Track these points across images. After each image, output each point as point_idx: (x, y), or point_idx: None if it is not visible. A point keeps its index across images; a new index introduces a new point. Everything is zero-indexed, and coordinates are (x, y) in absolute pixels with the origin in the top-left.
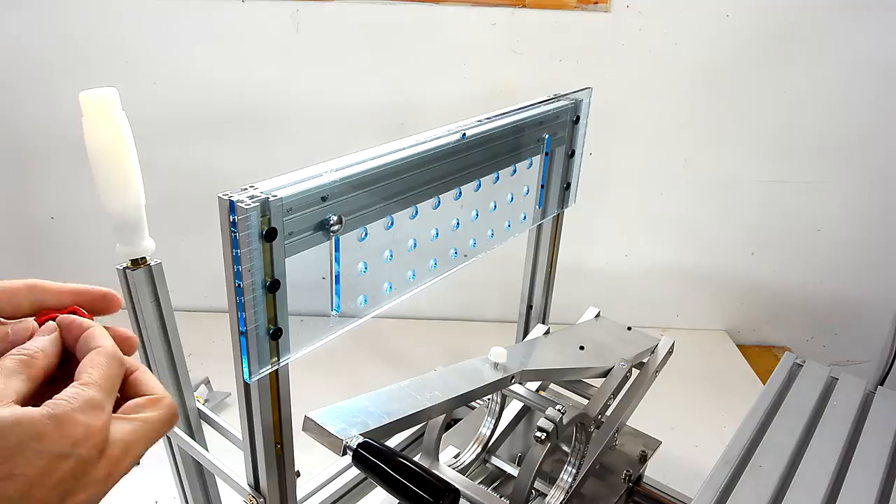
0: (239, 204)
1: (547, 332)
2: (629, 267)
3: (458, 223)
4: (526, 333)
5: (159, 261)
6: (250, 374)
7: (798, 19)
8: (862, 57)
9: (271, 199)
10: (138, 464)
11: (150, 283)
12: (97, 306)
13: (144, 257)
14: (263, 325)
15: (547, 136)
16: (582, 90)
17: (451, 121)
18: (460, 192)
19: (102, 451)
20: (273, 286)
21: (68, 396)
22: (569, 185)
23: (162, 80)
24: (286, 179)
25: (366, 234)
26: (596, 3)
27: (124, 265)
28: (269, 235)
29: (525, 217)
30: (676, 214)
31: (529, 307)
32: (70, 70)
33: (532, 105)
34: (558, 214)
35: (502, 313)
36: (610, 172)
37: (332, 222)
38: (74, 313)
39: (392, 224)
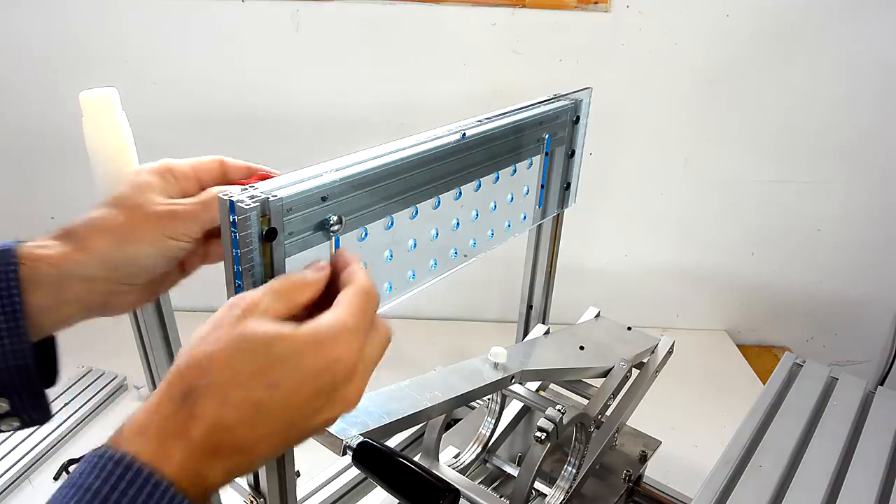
0: (239, 204)
1: (547, 332)
2: (629, 267)
3: (458, 223)
4: (526, 333)
5: None
6: None
7: (798, 19)
8: (862, 56)
9: (271, 199)
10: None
11: None
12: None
13: None
14: None
15: (547, 136)
16: (582, 90)
17: (451, 121)
18: (460, 192)
19: (353, 375)
20: None
21: (330, 321)
22: (569, 185)
23: (162, 80)
24: (286, 179)
25: (366, 234)
26: (596, 3)
27: None
28: (269, 235)
29: (525, 217)
30: (676, 214)
31: (529, 307)
32: (70, 69)
33: (532, 105)
34: (558, 214)
35: (502, 313)
36: (610, 172)
37: (332, 222)
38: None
39: (392, 224)
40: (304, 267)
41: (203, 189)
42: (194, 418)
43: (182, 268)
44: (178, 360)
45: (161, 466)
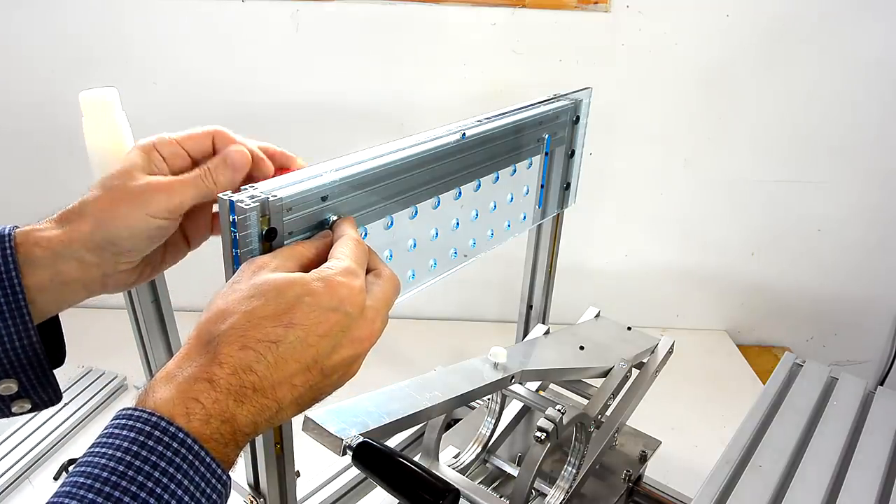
0: (239, 204)
1: (547, 332)
2: (629, 267)
3: (457, 223)
4: (526, 333)
5: None
6: None
7: (798, 19)
8: (862, 56)
9: (271, 199)
10: None
11: (149, 283)
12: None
13: None
14: None
15: (547, 136)
16: (582, 90)
17: (451, 121)
18: (460, 192)
19: (362, 310)
20: None
21: (330, 265)
22: (569, 185)
23: (162, 80)
24: (286, 179)
25: (365, 234)
26: (596, 3)
27: None
28: (269, 235)
29: (525, 217)
30: (676, 214)
31: (529, 307)
32: (70, 70)
33: (532, 105)
34: (558, 214)
35: (502, 313)
36: (610, 172)
37: (331, 222)
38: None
39: (392, 224)
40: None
41: (196, 164)
42: (217, 362)
43: (187, 242)
44: (201, 317)
45: (188, 412)
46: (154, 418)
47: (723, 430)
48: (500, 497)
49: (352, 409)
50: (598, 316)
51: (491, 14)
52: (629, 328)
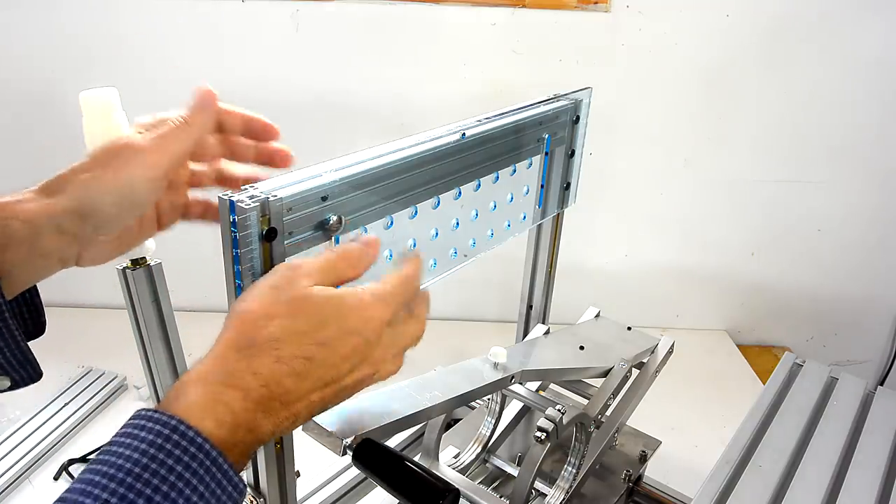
0: (239, 204)
1: (547, 332)
2: (629, 267)
3: (457, 223)
4: (526, 333)
5: (159, 261)
6: None
7: (798, 19)
8: (862, 56)
9: (271, 199)
10: None
11: (149, 283)
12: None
13: (144, 257)
14: None
15: (547, 136)
16: (582, 90)
17: (451, 121)
18: (460, 192)
19: (379, 338)
20: None
21: (371, 289)
22: (569, 184)
23: (162, 80)
24: (286, 179)
25: (365, 233)
26: (596, 3)
27: (124, 265)
28: (269, 235)
29: (525, 217)
30: (676, 214)
31: (529, 307)
32: (70, 70)
33: (532, 105)
34: (558, 214)
35: (502, 313)
36: (610, 172)
37: (331, 222)
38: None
39: (392, 224)
40: (358, 239)
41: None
42: (251, 371)
43: (158, 222)
44: (238, 315)
45: (219, 419)
46: (173, 422)
47: (723, 430)
48: (500, 497)
49: (352, 409)
50: (598, 316)
51: (491, 14)
52: (629, 328)
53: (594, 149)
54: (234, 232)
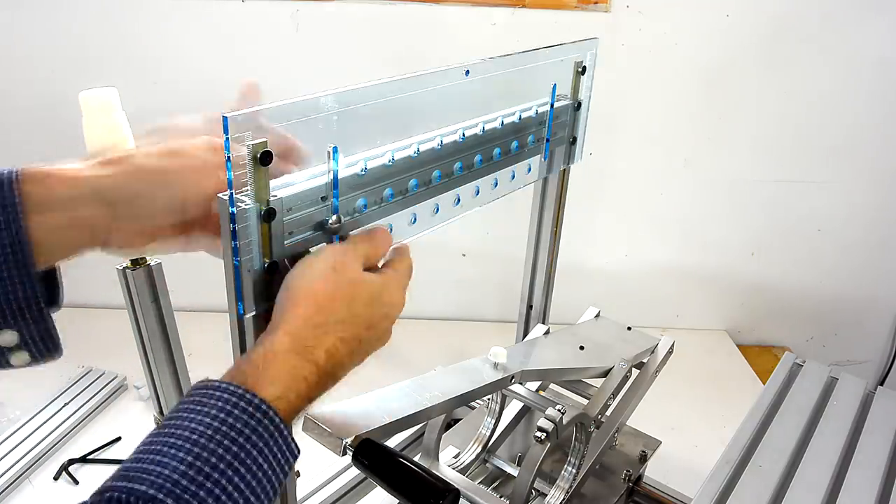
0: (239, 204)
1: (547, 332)
2: (629, 267)
3: (461, 167)
4: (526, 333)
5: (159, 261)
6: None
7: (799, 19)
8: (862, 56)
9: (271, 199)
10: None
11: (149, 283)
12: None
13: (144, 257)
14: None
15: (553, 84)
16: (587, 40)
17: (450, 121)
18: (464, 136)
19: (395, 319)
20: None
21: (395, 274)
22: (575, 139)
23: (162, 80)
24: (286, 179)
25: (364, 171)
26: (596, 3)
27: (124, 265)
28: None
29: (530, 169)
30: (676, 214)
31: (529, 307)
32: (70, 70)
33: (537, 49)
34: (564, 170)
35: (502, 313)
36: (610, 172)
37: (331, 222)
38: None
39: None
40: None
41: None
42: (323, 347)
43: (187, 242)
44: (311, 293)
45: (296, 388)
46: (240, 390)
47: (723, 430)
48: (500, 497)
49: (352, 409)
50: (598, 316)
51: (491, 14)
52: (629, 328)
53: (594, 149)
54: (235, 231)
